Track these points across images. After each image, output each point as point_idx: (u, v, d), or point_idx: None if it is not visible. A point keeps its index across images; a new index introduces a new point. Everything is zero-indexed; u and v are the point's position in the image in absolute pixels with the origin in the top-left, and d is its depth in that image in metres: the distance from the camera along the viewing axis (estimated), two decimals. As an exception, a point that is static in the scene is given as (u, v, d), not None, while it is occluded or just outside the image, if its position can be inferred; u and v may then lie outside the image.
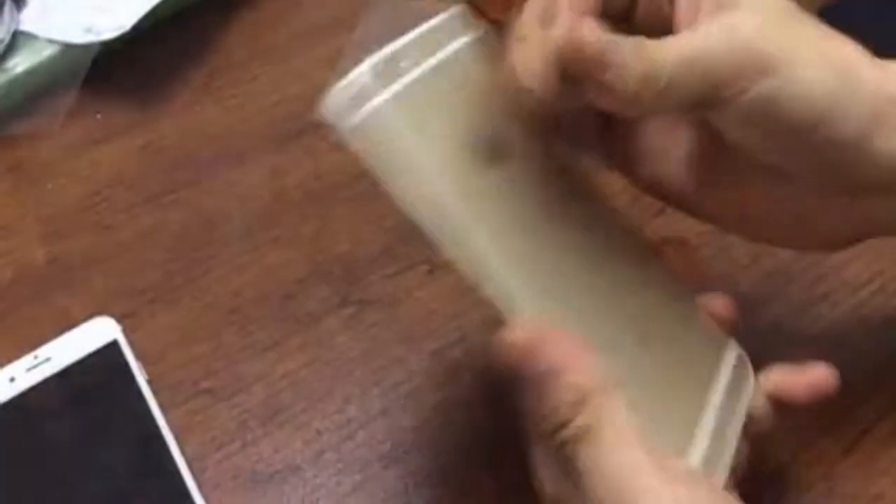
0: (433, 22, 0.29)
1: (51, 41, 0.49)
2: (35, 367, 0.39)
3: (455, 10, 0.30)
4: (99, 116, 0.50)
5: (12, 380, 0.38)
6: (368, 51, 0.27)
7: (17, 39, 0.49)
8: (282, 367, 0.40)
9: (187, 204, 0.46)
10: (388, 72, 0.27)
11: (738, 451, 0.30)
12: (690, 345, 0.32)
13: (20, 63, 0.49)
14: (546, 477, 0.28)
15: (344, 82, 0.26)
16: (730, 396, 0.31)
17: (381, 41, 0.28)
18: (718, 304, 0.33)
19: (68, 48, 0.49)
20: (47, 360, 0.39)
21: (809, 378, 0.31)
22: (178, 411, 0.38)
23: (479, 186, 0.28)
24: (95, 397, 0.38)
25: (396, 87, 0.27)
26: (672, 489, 0.25)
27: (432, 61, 0.28)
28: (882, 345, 0.40)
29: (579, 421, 0.26)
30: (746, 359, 0.33)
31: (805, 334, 0.40)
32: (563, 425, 0.26)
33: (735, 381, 0.31)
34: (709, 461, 0.28)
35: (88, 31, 0.49)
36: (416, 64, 0.28)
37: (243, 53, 0.52)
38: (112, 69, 0.50)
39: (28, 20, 0.50)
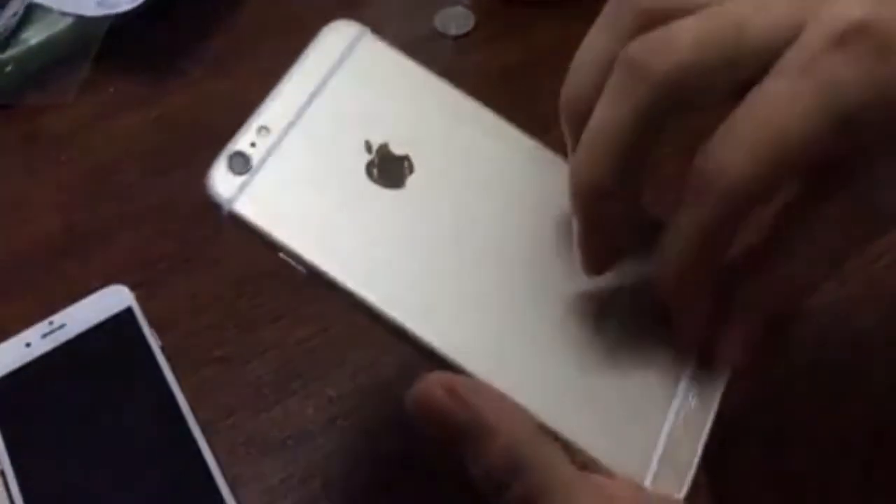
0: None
1: (64, 14, 0.49)
2: (50, 333, 0.39)
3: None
4: (112, 90, 0.50)
5: (28, 345, 0.39)
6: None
7: (31, 12, 0.50)
8: (294, 336, 0.40)
9: (199, 176, 0.46)
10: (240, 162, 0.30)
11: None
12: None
13: (34, 35, 0.49)
14: None
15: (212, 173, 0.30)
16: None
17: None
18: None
19: (81, 21, 0.49)
20: (62, 326, 0.39)
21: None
22: (192, 378, 0.39)
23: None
24: (109, 364, 0.39)
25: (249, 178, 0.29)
26: None
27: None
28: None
29: (518, 489, 0.24)
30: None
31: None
32: (501, 488, 0.25)
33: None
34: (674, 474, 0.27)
35: (101, 4, 0.49)
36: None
37: (254, 27, 0.53)
38: (124, 42, 0.50)
39: (42, -7, 0.50)
